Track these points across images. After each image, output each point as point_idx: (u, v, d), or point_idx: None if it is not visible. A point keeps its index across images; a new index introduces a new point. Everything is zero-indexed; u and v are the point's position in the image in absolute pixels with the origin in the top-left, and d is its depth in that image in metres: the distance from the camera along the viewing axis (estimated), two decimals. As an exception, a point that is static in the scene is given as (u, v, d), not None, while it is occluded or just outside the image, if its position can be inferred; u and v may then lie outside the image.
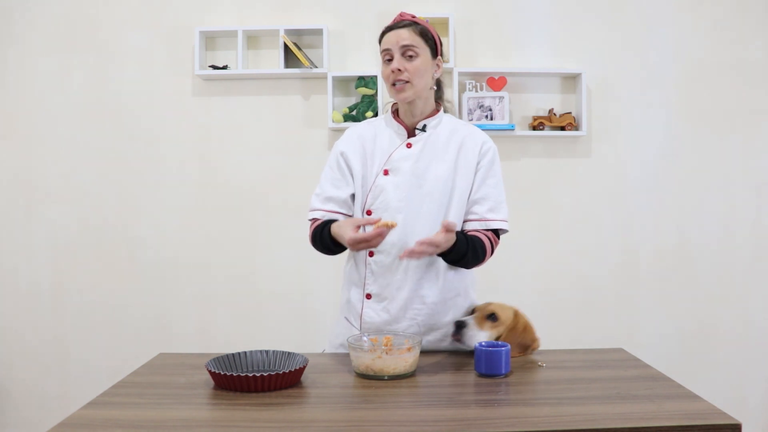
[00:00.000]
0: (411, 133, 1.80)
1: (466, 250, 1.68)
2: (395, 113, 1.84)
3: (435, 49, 1.76)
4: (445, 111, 1.86)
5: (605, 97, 3.12)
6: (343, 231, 1.62)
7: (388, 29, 1.74)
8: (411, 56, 1.71)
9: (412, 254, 1.56)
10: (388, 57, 1.73)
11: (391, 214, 1.73)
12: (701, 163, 3.14)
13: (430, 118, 1.80)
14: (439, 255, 1.69)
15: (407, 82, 1.71)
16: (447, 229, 1.58)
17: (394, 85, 1.73)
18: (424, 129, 1.79)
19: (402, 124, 1.80)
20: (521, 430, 1.22)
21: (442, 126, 1.81)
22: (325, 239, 1.73)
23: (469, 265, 1.75)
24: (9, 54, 3.09)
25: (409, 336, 1.64)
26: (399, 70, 1.70)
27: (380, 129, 1.83)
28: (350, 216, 1.80)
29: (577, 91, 3.08)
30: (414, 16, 1.75)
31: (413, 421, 1.28)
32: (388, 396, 1.42)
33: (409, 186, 1.74)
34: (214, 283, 3.11)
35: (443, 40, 3.07)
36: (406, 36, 1.70)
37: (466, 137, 1.80)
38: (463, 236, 1.69)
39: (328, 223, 1.73)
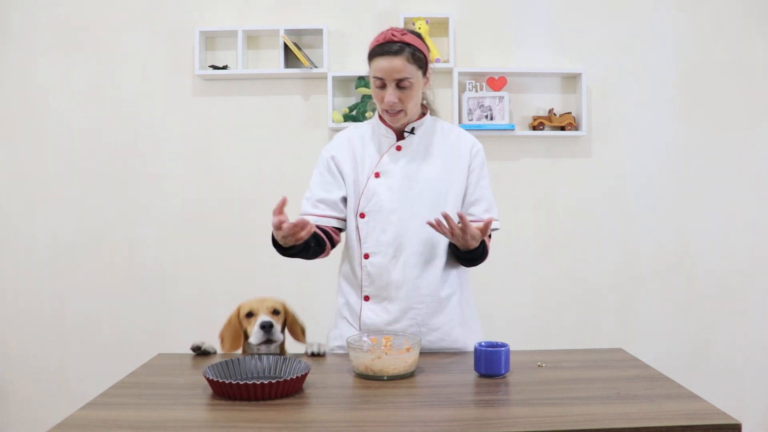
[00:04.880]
0: (400, 136, 1.82)
1: (483, 250, 1.76)
2: (382, 117, 1.83)
3: (425, 66, 1.75)
4: (431, 113, 1.87)
5: (605, 97, 3.12)
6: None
7: (380, 53, 1.70)
8: (405, 87, 1.70)
9: (441, 224, 1.61)
10: (380, 84, 1.72)
11: (385, 216, 1.77)
12: (701, 163, 3.14)
13: (417, 121, 1.82)
14: (464, 251, 1.73)
15: (402, 110, 1.73)
16: (486, 227, 1.65)
17: (387, 110, 1.74)
18: (412, 131, 1.81)
19: (390, 128, 1.81)
20: (521, 430, 1.22)
21: (430, 128, 1.84)
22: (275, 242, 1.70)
23: (474, 263, 1.80)
24: (9, 54, 3.09)
25: (409, 336, 1.65)
26: (395, 102, 1.70)
27: (369, 133, 1.85)
28: (342, 219, 1.83)
29: (577, 91, 3.08)
30: (404, 33, 1.70)
31: (413, 421, 1.28)
32: (387, 396, 1.42)
33: (400, 188, 1.77)
34: (214, 282, 3.10)
35: (443, 40, 3.07)
36: (400, 67, 1.68)
37: (455, 139, 1.84)
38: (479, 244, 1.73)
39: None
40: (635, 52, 3.11)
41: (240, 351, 1.82)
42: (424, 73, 1.75)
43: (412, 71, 1.69)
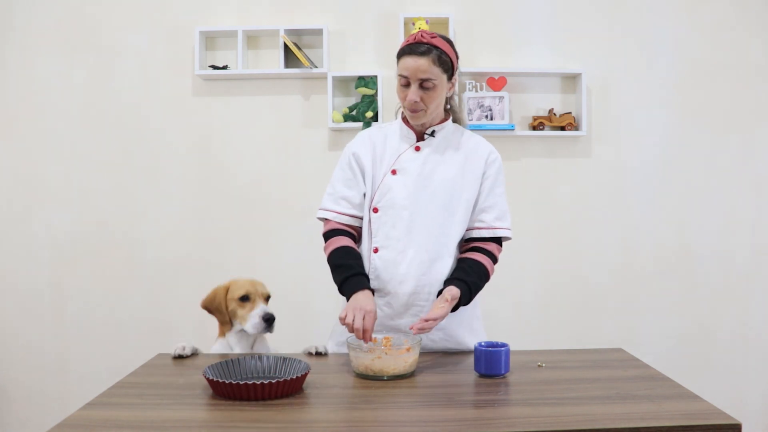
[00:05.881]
0: (420, 138, 1.86)
1: (468, 298, 1.77)
2: (405, 119, 1.88)
3: (451, 70, 1.79)
4: (454, 120, 1.91)
5: (605, 97, 3.12)
6: (358, 303, 1.66)
7: (408, 52, 1.74)
8: (428, 87, 1.74)
9: (422, 331, 1.64)
10: (405, 82, 1.76)
11: (397, 212, 1.79)
12: (701, 163, 3.14)
13: (439, 125, 1.85)
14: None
15: (423, 109, 1.77)
16: (449, 300, 1.68)
17: (408, 108, 1.78)
18: (432, 134, 1.85)
19: (412, 129, 1.86)
20: (521, 430, 1.22)
21: (450, 133, 1.87)
22: (334, 276, 1.79)
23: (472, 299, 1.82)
24: (9, 54, 3.09)
25: (409, 336, 1.65)
26: (416, 101, 1.75)
27: (390, 133, 1.90)
28: (360, 217, 1.85)
29: (577, 91, 3.08)
30: (434, 36, 1.75)
31: (413, 421, 1.28)
32: (387, 396, 1.42)
33: (415, 186, 1.80)
34: (214, 283, 3.10)
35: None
36: (425, 68, 1.72)
37: (473, 146, 1.87)
38: (466, 287, 1.74)
39: (346, 255, 1.78)
40: (635, 52, 3.11)
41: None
42: (450, 77, 1.79)
43: (436, 73, 1.73)
